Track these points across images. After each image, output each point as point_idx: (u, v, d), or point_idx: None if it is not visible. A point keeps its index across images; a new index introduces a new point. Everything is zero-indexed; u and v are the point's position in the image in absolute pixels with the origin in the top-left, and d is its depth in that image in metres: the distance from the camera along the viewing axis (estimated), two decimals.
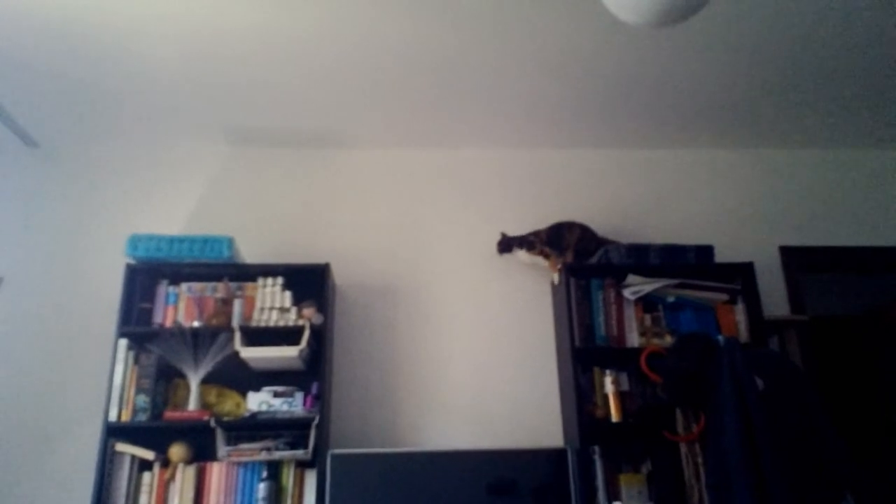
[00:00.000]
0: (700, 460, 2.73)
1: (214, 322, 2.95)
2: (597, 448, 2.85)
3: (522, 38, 2.80)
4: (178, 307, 3.03)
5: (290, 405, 2.86)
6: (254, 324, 2.97)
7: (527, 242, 3.29)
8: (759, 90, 3.20)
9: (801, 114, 3.41)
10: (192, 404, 2.86)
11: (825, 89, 3.21)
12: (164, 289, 3.06)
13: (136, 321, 2.98)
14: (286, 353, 2.86)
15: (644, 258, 3.14)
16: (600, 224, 3.49)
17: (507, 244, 3.32)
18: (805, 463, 2.29)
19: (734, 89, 3.19)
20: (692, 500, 2.71)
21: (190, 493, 2.76)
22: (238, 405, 2.95)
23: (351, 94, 3.16)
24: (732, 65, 3.00)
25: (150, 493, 2.76)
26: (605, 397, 2.95)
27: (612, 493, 2.81)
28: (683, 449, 2.80)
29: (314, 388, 2.91)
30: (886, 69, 3.06)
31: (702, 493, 2.69)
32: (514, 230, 3.44)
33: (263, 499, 2.73)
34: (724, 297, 3.13)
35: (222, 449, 2.78)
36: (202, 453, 2.85)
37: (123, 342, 2.86)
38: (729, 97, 3.25)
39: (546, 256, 3.25)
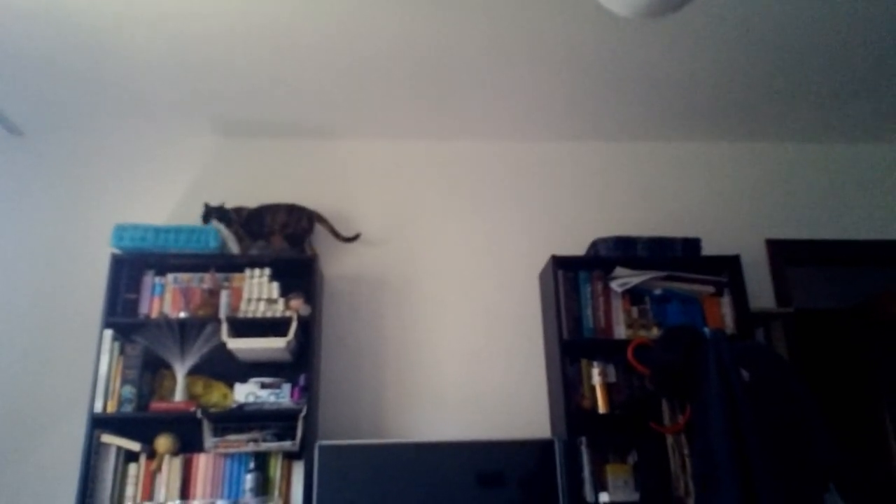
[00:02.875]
0: (686, 451, 2.75)
1: (201, 313, 2.94)
2: (584, 439, 2.87)
3: (514, 31, 2.79)
4: (165, 298, 3.01)
5: (277, 396, 2.86)
6: (241, 315, 2.96)
7: (225, 217, 3.14)
8: (747, 84, 3.21)
9: (790, 107, 3.43)
10: (179, 395, 2.84)
11: (813, 83, 3.22)
12: (150, 279, 3.03)
13: (121, 312, 2.95)
14: (273, 345, 2.85)
15: (631, 251, 3.15)
16: (589, 216, 3.51)
17: (207, 214, 3.13)
18: (791, 454, 2.31)
19: (722, 83, 3.20)
20: (678, 491, 2.73)
21: (176, 485, 2.75)
22: (225, 396, 2.94)
23: (341, 84, 3.14)
24: (721, 58, 3.01)
25: (137, 484, 2.75)
26: (593, 389, 2.96)
27: (599, 483, 2.82)
28: (670, 440, 2.81)
29: (302, 380, 2.90)
30: (876, 63, 3.07)
31: (688, 484, 2.71)
32: (503, 222, 3.46)
33: (250, 490, 2.72)
34: (711, 289, 3.15)
35: (209, 440, 2.77)
36: (189, 445, 2.84)
37: (109, 333, 2.84)
38: (717, 90, 3.26)
39: (239, 238, 3.17)
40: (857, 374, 4.41)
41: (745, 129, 3.63)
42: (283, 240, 3.14)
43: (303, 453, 2.79)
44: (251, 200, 3.38)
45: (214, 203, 3.19)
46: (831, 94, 3.32)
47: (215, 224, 3.14)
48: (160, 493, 2.74)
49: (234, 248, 3.21)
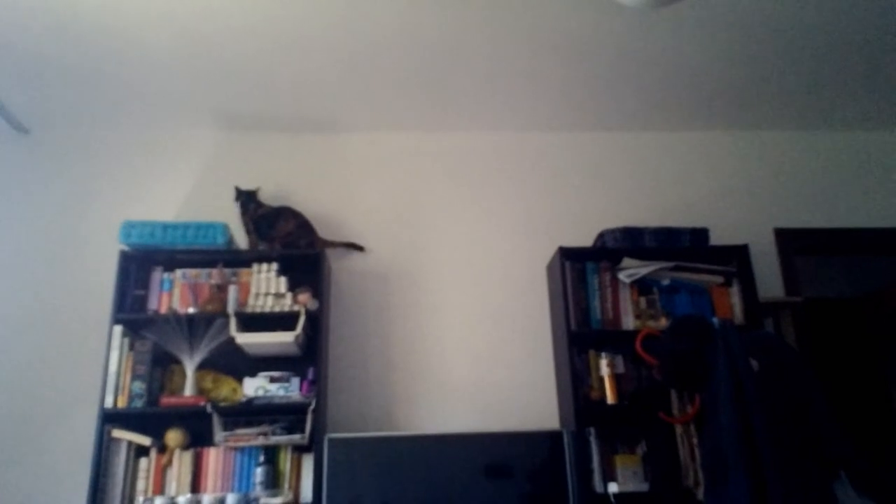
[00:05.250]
0: (695, 441, 2.75)
1: (209, 308, 2.95)
2: (592, 430, 2.87)
3: (516, 20, 2.78)
4: (173, 293, 3.02)
5: (286, 390, 2.87)
6: (249, 310, 2.96)
7: (243, 204, 3.19)
8: (754, 72, 3.19)
9: (797, 96, 3.40)
10: (189, 390, 2.86)
11: (820, 71, 3.20)
12: (158, 275, 3.05)
13: (130, 308, 2.96)
14: (282, 339, 2.86)
15: (639, 241, 3.14)
16: (595, 207, 3.50)
17: (240, 195, 3.21)
18: (800, 443, 2.30)
19: (729, 71, 3.18)
20: (688, 481, 2.72)
21: (187, 479, 2.77)
22: (234, 391, 2.95)
23: (345, 78, 3.14)
24: (728, 47, 2.99)
25: (147, 478, 2.77)
26: (601, 380, 2.96)
27: (608, 474, 2.83)
28: (679, 430, 2.81)
29: (310, 374, 2.91)
30: (882, 51, 3.05)
31: (697, 474, 2.71)
32: (509, 213, 3.45)
33: (261, 483, 2.74)
34: (720, 279, 3.14)
35: (219, 434, 2.78)
36: (199, 439, 2.85)
37: (118, 329, 2.85)
38: (724, 79, 3.24)
39: (247, 231, 3.19)
40: (867, 364, 4.40)
41: (753, 118, 3.61)
42: (280, 247, 3.14)
43: (312, 446, 2.80)
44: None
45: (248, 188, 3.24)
46: (839, 82, 3.29)
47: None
48: (171, 486, 2.76)
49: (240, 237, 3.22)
